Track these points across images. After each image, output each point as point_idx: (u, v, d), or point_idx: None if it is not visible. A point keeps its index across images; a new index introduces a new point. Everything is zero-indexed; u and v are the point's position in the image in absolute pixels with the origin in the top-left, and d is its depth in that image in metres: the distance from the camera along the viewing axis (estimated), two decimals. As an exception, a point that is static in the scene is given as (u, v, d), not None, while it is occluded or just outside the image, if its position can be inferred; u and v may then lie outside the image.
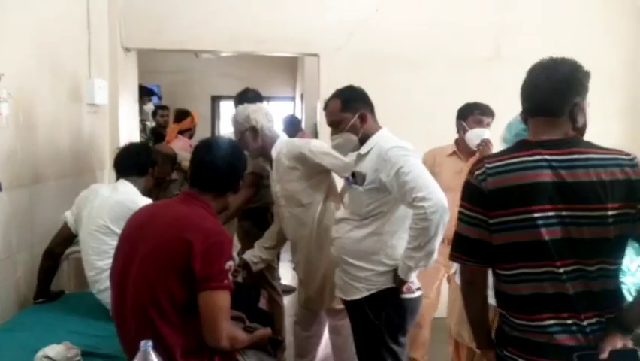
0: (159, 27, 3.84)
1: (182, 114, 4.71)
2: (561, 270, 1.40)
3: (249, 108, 2.71)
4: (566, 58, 1.51)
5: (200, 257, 1.64)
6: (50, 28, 2.88)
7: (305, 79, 6.98)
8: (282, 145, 2.64)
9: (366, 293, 2.13)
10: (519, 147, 1.50)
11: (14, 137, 2.45)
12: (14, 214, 2.47)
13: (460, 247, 1.54)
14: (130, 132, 4.12)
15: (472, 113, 2.85)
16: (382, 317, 2.12)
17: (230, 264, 1.69)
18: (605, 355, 1.38)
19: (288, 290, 4.48)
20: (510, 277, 1.48)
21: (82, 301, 2.46)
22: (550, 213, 1.40)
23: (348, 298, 2.22)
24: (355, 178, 2.15)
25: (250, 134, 2.66)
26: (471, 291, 1.59)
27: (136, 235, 1.78)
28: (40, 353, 1.81)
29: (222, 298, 1.68)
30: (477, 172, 1.49)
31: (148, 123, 5.35)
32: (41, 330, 2.09)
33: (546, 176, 1.41)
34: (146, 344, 1.30)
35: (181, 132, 4.65)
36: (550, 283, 1.42)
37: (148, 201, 2.40)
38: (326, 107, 2.27)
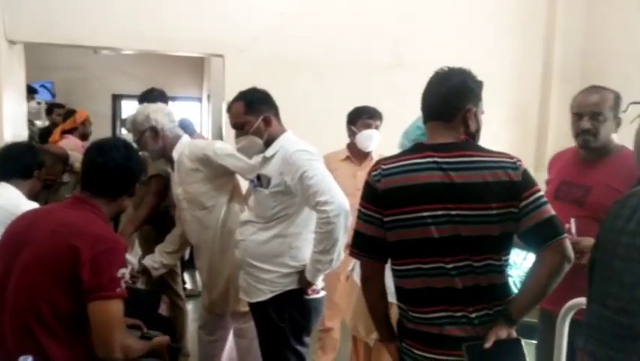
0: (52, 19, 3.59)
1: (68, 114, 4.50)
2: (450, 265, 1.49)
3: (149, 108, 2.63)
4: (462, 68, 1.61)
5: (89, 266, 1.56)
6: None
7: (211, 80, 6.86)
8: (184, 146, 2.57)
9: (270, 295, 2.14)
10: (413, 149, 1.58)
11: None
12: None
13: (359, 244, 1.61)
14: (17, 132, 3.81)
15: (360, 118, 2.98)
16: (286, 318, 2.13)
17: (122, 271, 1.63)
18: (489, 344, 1.46)
19: (193, 295, 4.38)
20: (404, 272, 1.56)
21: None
22: (440, 213, 1.48)
23: (252, 301, 2.22)
24: (261, 181, 2.15)
25: (150, 134, 2.58)
26: (369, 285, 1.65)
27: (15, 243, 1.67)
28: None
29: (114, 308, 1.61)
30: (374, 173, 1.56)
31: (38, 122, 5.00)
32: None
33: (436, 177, 1.49)
34: (25, 359, 1.23)
35: (67, 132, 4.40)
36: (440, 278, 1.50)
37: (34, 205, 2.24)
38: (229, 109, 2.25)
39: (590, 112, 2.02)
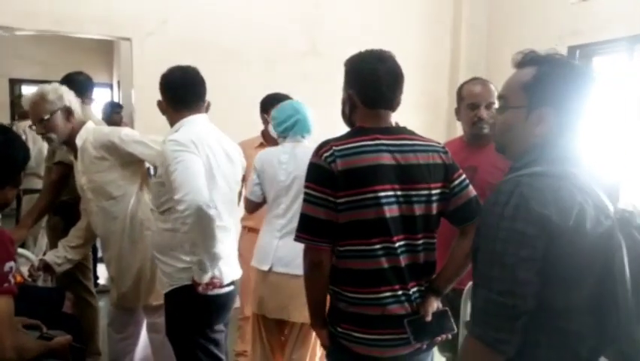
0: None
1: None
2: (396, 245, 1.55)
3: (62, 87, 2.44)
4: (391, 53, 1.65)
5: None
6: None
7: (121, 64, 6.53)
8: (88, 133, 2.42)
9: (169, 288, 2.09)
10: (357, 132, 1.60)
11: None
12: None
13: (308, 228, 1.56)
14: None
15: (272, 105, 2.95)
16: (185, 312, 2.07)
17: (10, 265, 1.52)
18: (429, 317, 1.58)
19: (106, 290, 4.17)
20: (350, 253, 1.56)
21: None
22: (390, 193, 1.53)
23: (162, 291, 2.16)
24: (156, 170, 2.10)
25: (62, 115, 2.39)
26: (317, 272, 1.60)
27: None
28: None
29: (3, 305, 1.50)
30: (325, 155, 1.54)
31: None
32: None
33: (386, 159, 1.54)
34: None
35: None
36: (388, 257, 1.55)
37: None
38: None
39: (485, 102, 2.20)
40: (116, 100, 7.64)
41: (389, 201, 1.53)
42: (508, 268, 1.09)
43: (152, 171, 2.08)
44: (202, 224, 1.86)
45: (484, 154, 2.17)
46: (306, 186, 1.58)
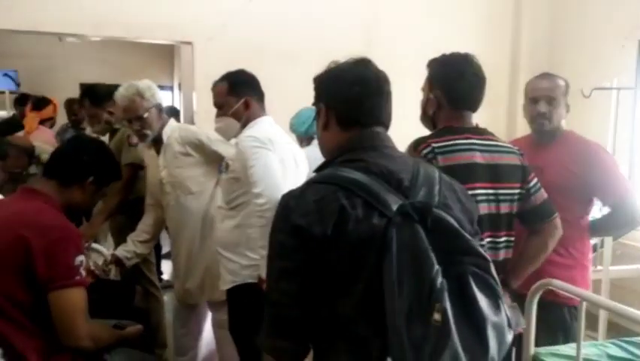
0: (7, 5, 3.46)
1: (42, 102, 4.25)
2: (483, 242, 1.54)
3: (154, 85, 2.51)
4: (473, 55, 1.70)
5: (43, 256, 1.53)
6: None
7: (182, 68, 6.75)
8: (173, 130, 2.49)
9: (232, 285, 2.14)
10: (449, 131, 1.63)
11: None
12: None
13: None
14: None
15: None
16: (249, 309, 2.10)
17: (80, 259, 1.60)
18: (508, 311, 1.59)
19: (170, 286, 4.33)
20: None
21: None
22: (483, 191, 1.58)
23: (222, 288, 2.22)
24: (225, 166, 2.15)
25: (156, 111, 2.47)
26: None
27: None
28: None
29: (75, 296, 1.59)
30: (425, 151, 1.57)
31: (2, 113, 4.84)
32: None
33: (478, 158, 1.58)
34: (-5, 353, 1.21)
35: (42, 122, 4.25)
36: None
37: (-1, 197, 2.19)
38: (214, 88, 2.22)
39: (546, 97, 2.13)
40: (176, 101, 7.91)
41: (482, 199, 1.58)
42: (273, 279, 1.10)
43: (222, 168, 2.14)
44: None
45: (550, 153, 2.12)
46: None
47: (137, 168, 2.83)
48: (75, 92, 8.14)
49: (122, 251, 2.64)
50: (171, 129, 2.50)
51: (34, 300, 1.57)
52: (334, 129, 1.23)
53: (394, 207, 1.04)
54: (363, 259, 1.04)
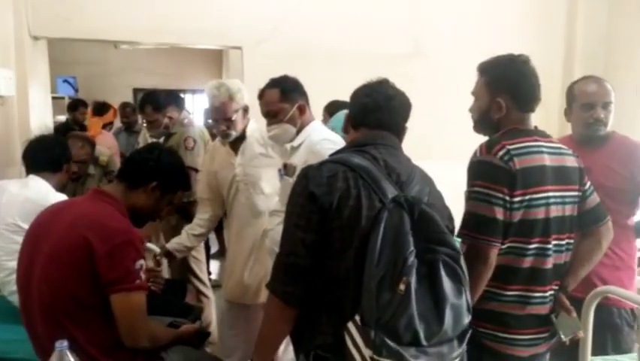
0: (70, 15, 3.63)
1: (103, 107, 4.42)
2: (549, 245, 1.60)
3: (242, 86, 2.50)
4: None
5: (105, 259, 1.58)
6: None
7: (230, 72, 6.90)
8: (254, 130, 2.53)
9: None
10: (518, 132, 1.62)
11: None
12: None
13: (481, 227, 1.55)
14: (42, 126, 3.89)
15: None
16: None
17: (140, 263, 1.64)
18: (574, 313, 1.64)
19: (218, 285, 4.43)
20: (503, 250, 1.58)
21: (-9, 305, 2.31)
22: (553, 194, 1.58)
23: None
24: (287, 170, 2.16)
25: (242, 113, 2.48)
26: (487, 272, 1.56)
27: (39, 235, 1.71)
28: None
29: (136, 300, 1.64)
30: (500, 153, 1.56)
31: (61, 117, 5.07)
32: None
33: (547, 160, 1.59)
34: (61, 345, 1.26)
35: (102, 126, 4.42)
36: (538, 257, 1.60)
37: (62, 197, 2.30)
38: (262, 96, 2.22)
39: (602, 102, 2.09)
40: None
41: (552, 202, 1.58)
42: (290, 232, 1.34)
43: (284, 172, 2.17)
44: None
45: (597, 155, 2.09)
46: (474, 185, 1.57)
47: (192, 172, 2.91)
48: (128, 97, 8.50)
49: (173, 244, 2.67)
50: (251, 130, 2.53)
51: (96, 298, 1.62)
52: (350, 130, 1.55)
53: (389, 196, 1.30)
54: (357, 230, 1.29)
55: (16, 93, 3.49)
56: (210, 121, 2.57)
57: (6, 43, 3.40)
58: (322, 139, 2.09)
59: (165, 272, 3.18)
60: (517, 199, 1.54)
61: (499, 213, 1.53)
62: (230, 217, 2.61)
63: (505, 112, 1.65)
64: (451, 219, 1.47)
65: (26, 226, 2.16)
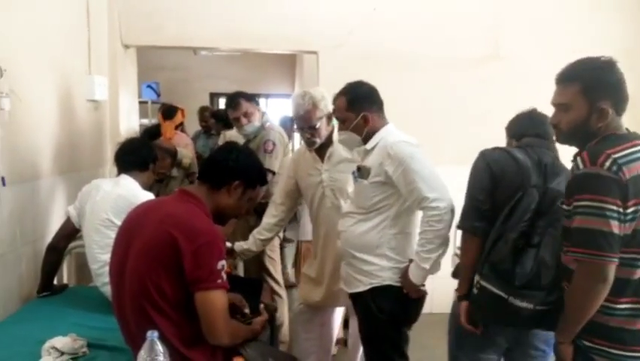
0: (158, 24, 3.86)
1: (171, 110, 4.57)
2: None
3: (327, 95, 2.50)
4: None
5: (190, 258, 1.64)
6: (51, 24, 2.91)
7: (304, 76, 7.01)
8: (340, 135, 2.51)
9: (369, 286, 2.16)
10: (617, 138, 1.55)
11: (16, 133, 2.47)
12: (17, 209, 2.49)
13: (597, 243, 1.46)
14: (130, 128, 4.15)
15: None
16: (385, 310, 2.14)
17: (222, 263, 1.70)
18: None
19: (291, 285, 4.52)
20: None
21: (86, 295, 2.49)
22: None
23: (350, 291, 2.25)
24: (361, 172, 2.18)
25: (326, 120, 2.50)
26: (604, 290, 1.49)
27: (131, 230, 1.79)
28: (46, 345, 1.84)
29: (217, 299, 1.69)
30: (607, 164, 1.47)
31: (144, 120, 5.34)
32: (46, 323, 2.12)
33: None
34: (152, 334, 1.33)
35: (175, 128, 4.60)
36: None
37: (150, 195, 2.43)
38: (334, 102, 2.28)
39: None
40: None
41: None
42: (477, 187, 1.91)
43: (358, 174, 2.20)
44: (450, 223, 2.02)
45: None
46: (582, 198, 1.49)
47: (270, 174, 2.97)
48: (205, 101, 8.84)
49: (240, 246, 2.71)
50: (337, 135, 2.51)
51: (180, 293, 1.69)
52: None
53: (533, 182, 1.83)
54: (511, 198, 1.81)
55: (109, 98, 3.74)
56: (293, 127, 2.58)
57: (101, 52, 3.65)
58: (398, 141, 2.11)
59: (240, 271, 3.27)
60: (630, 210, 1.46)
61: (615, 227, 1.45)
62: (317, 223, 2.63)
63: (609, 119, 1.57)
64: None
65: (118, 222, 2.31)
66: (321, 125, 2.47)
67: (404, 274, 2.11)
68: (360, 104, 2.19)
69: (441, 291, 2.97)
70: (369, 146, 2.19)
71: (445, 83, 3.95)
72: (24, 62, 2.55)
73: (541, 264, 1.68)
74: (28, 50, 2.61)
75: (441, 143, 3.74)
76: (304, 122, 2.47)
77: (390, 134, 2.17)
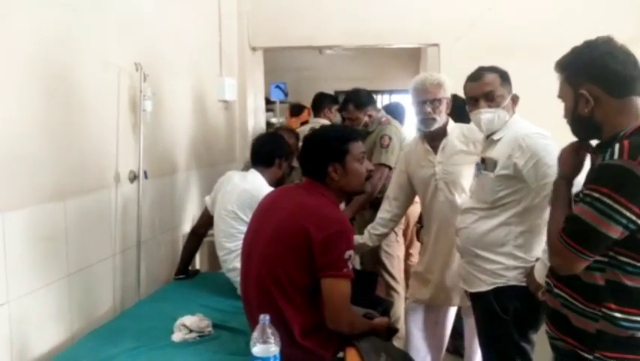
0: (283, 26, 4.04)
1: (298, 108, 4.74)
2: None
3: (449, 80, 2.45)
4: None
5: (321, 245, 1.70)
6: (186, 31, 3.19)
7: (428, 70, 6.87)
8: (454, 127, 2.47)
9: (492, 286, 2.03)
10: None
11: (157, 131, 2.74)
12: (158, 200, 2.76)
13: (583, 239, 1.35)
14: (257, 126, 4.39)
15: None
16: (510, 311, 2.00)
17: (350, 253, 1.73)
18: None
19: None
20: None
21: (214, 280, 2.69)
22: None
23: (471, 290, 2.14)
24: (485, 164, 2.06)
25: (446, 104, 2.42)
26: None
27: (263, 216, 1.89)
28: (178, 322, 2.03)
29: (342, 287, 1.74)
30: None
31: (273, 120, 5.61)
32: (179, 303, 2.33)
33: None
34: (264, 318, 1.40)
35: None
36: None
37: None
38: (479, 78, 2.08)
39: None
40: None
41: None
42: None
43: (483, 167, 2.10)
44: None
45: None
46: (597, 189, 1.32)
47: (387, 169, 2.96)
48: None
49: (355, 240, 2.59)
50: (452, 127, 2.46)
51: (307, 279, 1.76)
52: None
53: None
54: None
55: (237, 98, 4.00)
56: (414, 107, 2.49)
57: (231, 54, 3.92)
58: (533, 132, 1.97)
59: (357, 264, 3.31)
60: None
61: (613, 232, 1.28)
62: (429, 218, 2.54)
63: (595, 103, 1.37)
64: None
65: (241, 214, 2.47)
66: (443, 104, 2.37)
67: (530, 273, 1.97)
68: (509, 83, 2.08)
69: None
70: (496, 137, 2.05)
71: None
72: (164, 67, 2.83)
73: None
74: (168, 55, 2.89)
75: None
76: (428, 94, 2.36)
77: (519, 125, 2.02)
